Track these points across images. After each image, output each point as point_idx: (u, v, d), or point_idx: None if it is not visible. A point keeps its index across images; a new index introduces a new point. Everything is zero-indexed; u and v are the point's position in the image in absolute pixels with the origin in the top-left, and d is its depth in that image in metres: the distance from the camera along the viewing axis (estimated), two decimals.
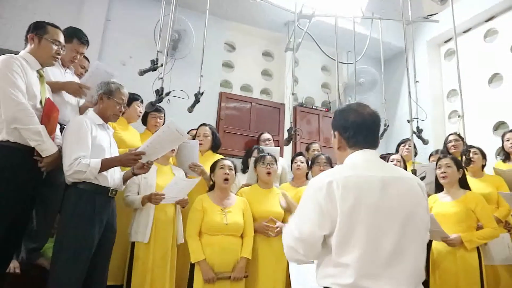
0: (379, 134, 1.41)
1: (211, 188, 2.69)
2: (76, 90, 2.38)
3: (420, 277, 1.21)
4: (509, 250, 2.70)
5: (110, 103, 2.19)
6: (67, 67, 2.56)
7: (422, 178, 2.73)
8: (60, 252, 1.93)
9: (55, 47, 2.14)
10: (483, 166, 3.16)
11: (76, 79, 2.57)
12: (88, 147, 2.02)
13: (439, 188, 2.77)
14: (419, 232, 1.25)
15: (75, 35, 2.54)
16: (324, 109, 5.40)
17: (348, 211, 1.18)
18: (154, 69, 2.98)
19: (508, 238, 2.76)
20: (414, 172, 2.81)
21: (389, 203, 1.21)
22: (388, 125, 4.06)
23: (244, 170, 3.44)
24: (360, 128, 1.35)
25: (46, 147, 1.96)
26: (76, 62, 2.62)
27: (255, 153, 3.36)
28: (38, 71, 2.11)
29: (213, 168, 2.69)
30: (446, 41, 5.28)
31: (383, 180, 1.24)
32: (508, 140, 3.28)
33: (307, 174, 3.27)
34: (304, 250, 1.26)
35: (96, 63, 2.57)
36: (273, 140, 4.17)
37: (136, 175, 2.27)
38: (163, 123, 3.21)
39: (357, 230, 1.18)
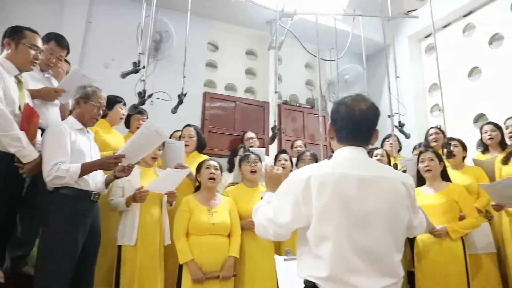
0: (371, 131, 1.35)
1: (197, 189, 2.70)
2: (51, 96, 2.36)
3: (395, 273, 1.22)
4: (489, 238, 2.79)
5: (88, 107, 2.17)
6: (45, 71, 2.53)
7: (403, 172, 2.78)
8: (44, 257, 1.92)
9: (33, 52, 2.11)
10: (464, 157, 3.23)
11: (55, 83, 2.54)
12: (67, 152, 2.00)
13: (420, 181, 2.82)
14: (397, 231, 1.26)
15: (53, 38, 2.51)
16: (308, 106, 5.44)
17: (323, 207, 1.21)
18: (136, 71, 2.97)
19: (488, 227, 2.86)
20: (395, 166, 2.87)
21: (366, 202, 1.22)
22: None
23: (230, 169, 3.44)
24: (346, 123, 1.32)
25: (26, 153, 1.94)
26: (58, 69, 2.57)
27: (241, 152, 3.37)
28: (16, 77, 2.08)
29: (198, 168, 2.70)
30: (427, 36, 5.36)
31: (362, 179, 1.24)
32: (486, 132, 3.35)
33: (291, 172, 3.28)
34: (274, 233, 1.35)
35: (74, 68, 2.54)
36: (258, 138, 4.19)
37: (117, 178, 2.26)
38: None
39: (330, 226, 1.20)
